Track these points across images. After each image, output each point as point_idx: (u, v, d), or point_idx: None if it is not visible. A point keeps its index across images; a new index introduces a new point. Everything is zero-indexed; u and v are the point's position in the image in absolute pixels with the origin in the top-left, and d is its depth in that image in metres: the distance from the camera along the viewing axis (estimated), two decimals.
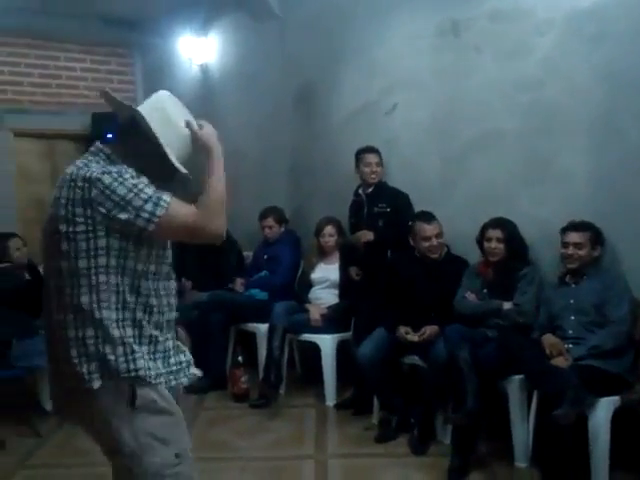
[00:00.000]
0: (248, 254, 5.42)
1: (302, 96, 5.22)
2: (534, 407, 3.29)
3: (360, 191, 4.47)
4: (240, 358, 4.60)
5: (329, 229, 4.67)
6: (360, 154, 4.41)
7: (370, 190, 4.41)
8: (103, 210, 1.75)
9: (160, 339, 1.89)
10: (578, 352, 3.18)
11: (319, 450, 3.75)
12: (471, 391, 3.27)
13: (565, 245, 3.37)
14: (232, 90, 5.83)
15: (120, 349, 1.79)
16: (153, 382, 1.82)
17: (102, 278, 1.78)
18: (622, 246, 3.39)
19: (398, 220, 4.22)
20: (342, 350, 4.46)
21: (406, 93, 4.43)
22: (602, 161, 3.48)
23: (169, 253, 1.97)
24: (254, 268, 5.17)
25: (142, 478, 1.82)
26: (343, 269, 4.60)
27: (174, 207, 1.79)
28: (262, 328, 4.71)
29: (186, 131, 1.95)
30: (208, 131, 1.97)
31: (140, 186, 1.78)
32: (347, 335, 4.49)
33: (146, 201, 1.76)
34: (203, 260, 5.33)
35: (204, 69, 6.07)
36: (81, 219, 1.77)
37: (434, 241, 3.89)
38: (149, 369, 1.82)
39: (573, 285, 3.40)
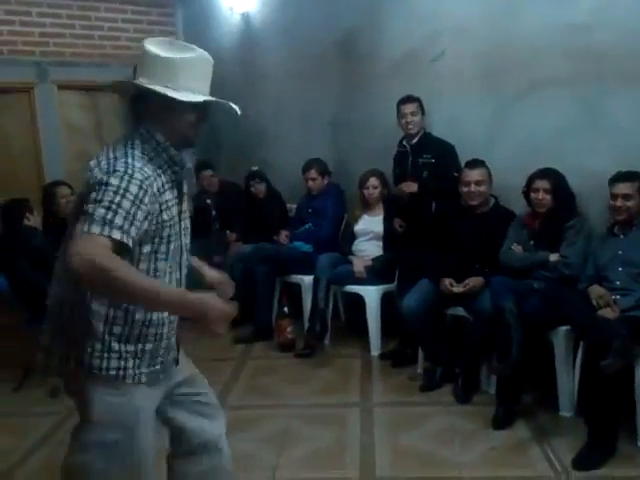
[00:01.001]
0: (291, 206, 5.44)
1: (345, 44, 5.14)
2: (580, 358, 3.30)
3: (404, 142, 4.43)
4: (285, 309, 4.67)
5: (373, 181, 4.66)
6: (398, 105, 4.36)
7: (415, 141, 4.36)
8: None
9: (150, 337, 1.89)
10: (626, 303, 3.17)
11: (364, 398, 3.83)
12: (516, 342, 3.27)
13: (614, 196, 3.31)
14: (273, 39, 5.76)
15: (98, 345, 1.81)
16: (128, 381, 1.86)
17: None
18: None
19: (443, 171, 4.19)
20: (386, 301, 4.50)
21: (453, 40, 4.32)
22: None
23: (172, 247, 1.87)
24: (298, 221, 5.20)
25: (74, 446, 1.94)
26: (387, 221, 4.60)
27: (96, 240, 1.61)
28: (307, 280, 4.77)
29: (190, 53, 1.86)
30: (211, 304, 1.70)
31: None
32: (391, 287, 4.51)
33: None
34: (247, 213, 5.38)
35: (245, 18, 5.99)
36: None
37: (472, 187, 3.85)
38: (124, 369, 1.85)
39: (621, 236, 3.36)
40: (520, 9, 3.92)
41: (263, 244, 5.13)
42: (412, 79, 4.58)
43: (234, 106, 1.93)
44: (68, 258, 1.58)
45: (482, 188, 3.87)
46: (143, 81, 1.81)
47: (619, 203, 3.28)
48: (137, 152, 1.80)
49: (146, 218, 1.72)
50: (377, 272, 4.51)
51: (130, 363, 1.86)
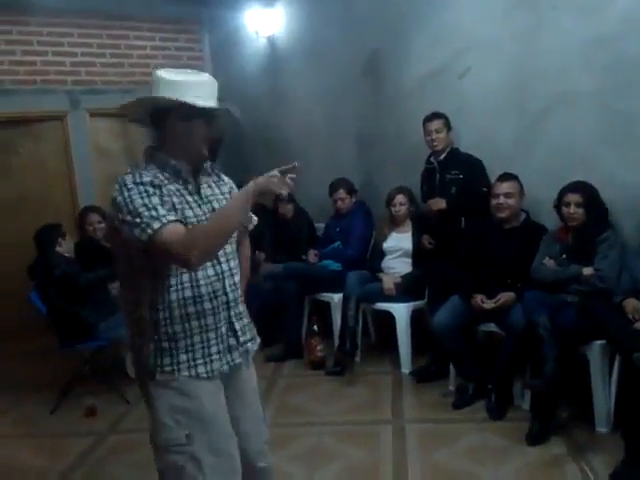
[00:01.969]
0: (319, 225, 5.47)
1: (370, 64, 5.19)
2: (616, 372, 3.24)
3: (432, 159, 4.44)
4: (315, 327, 4.67)
5: (400, 198, 4.66)
6: (424, 122, 4.38)
7: (442, 157, 4.37)
8: None
9: (195, 330, 1.99)
10: None
11: (396, 415, 3.80)
12: (550, 357, 3.24)
13: None
14: (299, 61, 5.84)
15: (152, 345, 1.98)
16: (184, 374, 1.97)
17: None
18: None
19: (471, 187, 4.18)
20: (416, 318, 4.48)
21: (478, 56, 4.33)
22: None
23: None
24: (326, 240, 5.22)
25: (156, 451, 2.04)
26: (416, 237, 4.59)
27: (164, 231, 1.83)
28: (336, 298, 4.78)
29: (198, 79, 2.00)
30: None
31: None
32: (420, 303, 4.50)
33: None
34: (276, 233, 5.41)
35: (271, 41, 6.09)
36: None
37: (501, 199, 3.83)
38: (178, 363, 1.97)
39: None
40: (545, 22, 3.91)
41: (293, 263, 5.15)
42: (438, 96, 4.60)
43: (234, 111, 2.09)
44: (170, 252, 1.81)
45: (511, 201, 3.84)
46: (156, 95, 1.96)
47: None
48: (137, 170, 1.95)
49: (162, 199, 1.89)
50: (406, 289, 4.49)
51: (183, 357, 1.97)
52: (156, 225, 1.81)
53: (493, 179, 4.03)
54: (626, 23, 3.52)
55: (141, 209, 1.83)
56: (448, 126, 4.35)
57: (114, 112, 6.26)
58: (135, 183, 1.89)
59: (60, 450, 3.67)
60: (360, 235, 5.02)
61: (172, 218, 1.84)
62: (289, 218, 5.42)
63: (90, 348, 4.43)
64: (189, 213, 1.97)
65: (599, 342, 3.31)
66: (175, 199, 1.95)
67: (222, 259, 2.05)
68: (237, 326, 2.10)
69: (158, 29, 6.55)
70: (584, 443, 3.25)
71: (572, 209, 3.56)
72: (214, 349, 2.02)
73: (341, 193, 5.08)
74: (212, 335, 2.02)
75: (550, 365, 3.23)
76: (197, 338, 1.99)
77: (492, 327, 3.81)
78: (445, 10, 4.51)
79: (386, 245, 4.74)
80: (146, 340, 1.97)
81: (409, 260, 4.62)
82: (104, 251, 4.73)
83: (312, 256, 5.16)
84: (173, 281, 1.95)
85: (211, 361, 2.01)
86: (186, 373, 1.97)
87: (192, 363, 1.98)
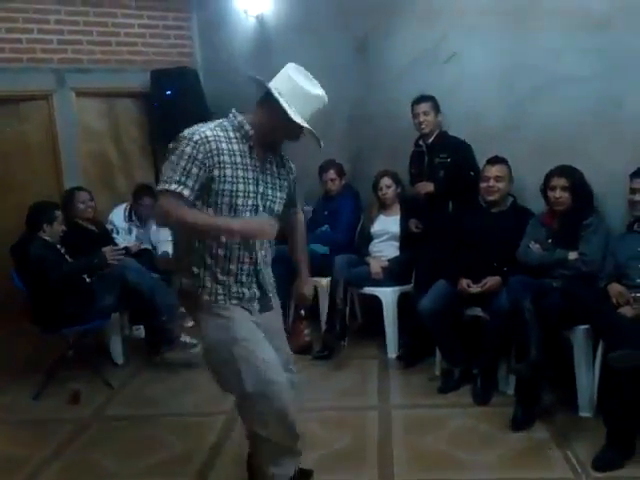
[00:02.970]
0: (308, 208, 5.43)
1: (360, 46, 5.13)
2: (599, 357, 3.26)
3: (421, 142, 4.41)
4: (302, 311, 4.65)
5: (385, 180, 4.65)
6: (412, 105, 4.35)
7: (431, 140, 4.34)
8: None
9: (225, 271, 2.42)
10: None
11: (382, 401, 3.81)
12: (534, 341, 3.24)
13: (633, 191, 3.27)
14: (288, 41, 5.75)
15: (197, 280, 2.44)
16: (220, 302, 2.43)
17: None
18: None
19: (459, 171, 4.17)
20: (403, 302, 4.48)
21: (467, 40, 4.29)
22: None
23: (235, 202, 2.37)
24: (314, 223, 5.18)
25: (212, 351, 2.45)
26: (403, 221, 4.58)
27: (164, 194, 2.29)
28: (323, 282, 4.76)
29: (312, 92, 2.36)
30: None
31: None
32: (408, 287, 4.50)
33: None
34: None
35: (260, 20, 6.00)
36: None
37: (491, 182, 3.84)
38: (216, 294, 2.43)
39: None
40: (534, 6, 3.88)
41: (280, 246, 5.10)
42: (428, 79, 4.56)
43: (320, 141, 2.47)
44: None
45: (501, 185, 3.84)
46: (276, 93, 2.33)
47: (638, 197, 3.24)
48: (212, 124, 2.38)
49: (201, 169, 2.27)
50: (394, 273, 4.49)
51: (220, 289, 2.42)
52: (164, 186, 2.27)
53: (481, 163, 4.02)
54: (615, 8, 3.49)
55: (178, 168, 2.27)
56: (436, 109, 4.31)
57: (101, 91, 6.20)
58: (194, 147, 2.27)
59: (41, 438, 3.61)
60: (348, 219, 5.00)
61: (175, 189, 2.26)
62: None
63: (74, 332, 4.39)
64: (241, 174, 2.36)
65: (583, 327, 3.32)
66: (238, 158, 2.35)
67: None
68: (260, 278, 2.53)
69: (146, 7, 6.44)
70: (568, 428, 3.27)
71: (558, 193, 3.55)
72: (234, 293, 2.45)
73: (331, 174, 5.07)
74: (232, 280, 2.44)
75: (534, 349, 3.23)
76: (223, 277, 2.43)
77: (478, 311, 3.81)
78: None
79: (374, 229, 4.73)
80: (190, 274, 2.43)
81: (397, 244, 4.62)
82: (90, 236, 4.71)
83: None
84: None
85: (238, 298, 2.46)
86: (223, 302, 2.43)
87: (228, 294, 2.44)
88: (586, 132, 3.70)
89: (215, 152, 2.30)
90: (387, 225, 4.65)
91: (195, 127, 2.33)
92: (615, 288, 3.25)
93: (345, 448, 3.26)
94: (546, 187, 3.63)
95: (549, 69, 3.85)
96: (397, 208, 4.68)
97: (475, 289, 3.73)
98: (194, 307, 2.48)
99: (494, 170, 3.85)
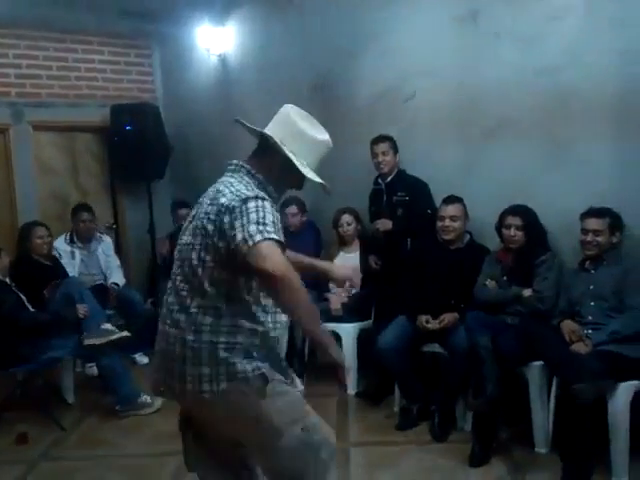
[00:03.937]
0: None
1: (321, 84, 5.19)
2: (554, 393, 3.31)
3: (379, 180, 4.48)
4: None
5: (346, 217, 4.69)
6: (371, 144, 4.42)
7: (389, 179, 4.41)
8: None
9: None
10: (597, 338, 3.18)
11: (341, 438, 3.75)
12: (491, 378, 3.30)
13: (584, 232, 3.37)
14: (250, 80, 5.81)
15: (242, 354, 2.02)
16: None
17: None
18: None
19: (417, 209, 4.24)
20: (363, 339, 4.48)
21: (425, 80, 4.39)
22: (621, 147, 3.46)
23: None
24: None
25: (282, 453, 2.06)
26: (363, 258, 4.61)
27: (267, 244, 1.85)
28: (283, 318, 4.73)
29: (318, 138, 2.20)
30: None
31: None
32: (368, 324, 4.51)
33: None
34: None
35: (222, 59, 6.05)
36: None
37: (447, 221, 3.91)
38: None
39: (592, 271, 3.40)
40: (488, 50, 4.02)
41: None
42: (386, 119, 4.64)
43: (328, 187, 2.30)
44: (256, 262, 1.82)
45: (457, 224, 3.91)
46: (282, 145, 2.13)
47: (589, 238, 3.33)
48: (251, 184, 2.09)
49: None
50: (354, 309, 4.50)
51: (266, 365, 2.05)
52: (264, 235, 1.86)
53: (438, 201, 4.09)
54: (564, 54, 3.64)
55: (267, 221, 1.90)
56: (395, 148, 4.39)
57: (59, 125, 6.11)
58: (270, 204, 1.98)
59: None
60: (310, 254, 4.98)
61: (280, 239, 1.90)
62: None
63: (23, 371, 4.21)
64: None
65: (537, 364, 3.37)
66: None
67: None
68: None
69: (108, 43, 6.43)
70: (524, 463, 3.30)
71: (512, 231, 3.64)
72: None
73: (293, 208, 5.05)
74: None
75: (491, 386, 3.29)
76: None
77: (436, 348, 3.84)
78: (393, 33, 4.57)
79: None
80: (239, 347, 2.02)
81: None
82: (42, 270, 4.62)
83: None
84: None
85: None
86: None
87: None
88: (538, 172, 3.81)
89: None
90: (347, 261, 4.66)
91: (237, 187, 2.05)
92: (568, 325, 3.32)
93: None
94: (501, 225, 3.72)
95: (500, 111, 3.97)
96: (357, 245, 4.71)
97: (433, 325, 3.76)
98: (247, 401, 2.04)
99: (450, 210, 3.92)
